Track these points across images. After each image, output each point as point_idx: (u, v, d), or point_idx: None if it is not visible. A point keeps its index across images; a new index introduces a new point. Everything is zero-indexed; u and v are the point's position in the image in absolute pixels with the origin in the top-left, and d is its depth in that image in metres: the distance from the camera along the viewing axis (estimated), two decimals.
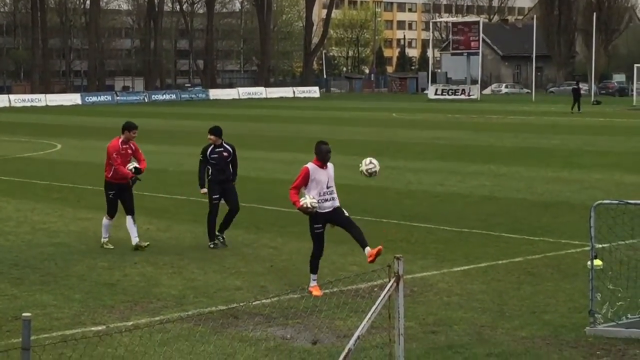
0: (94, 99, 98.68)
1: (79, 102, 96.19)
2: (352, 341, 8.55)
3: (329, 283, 13.54)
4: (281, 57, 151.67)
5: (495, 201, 23.51)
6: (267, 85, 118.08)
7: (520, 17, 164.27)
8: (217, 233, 17.73)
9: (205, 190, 17.74)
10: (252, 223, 20.39)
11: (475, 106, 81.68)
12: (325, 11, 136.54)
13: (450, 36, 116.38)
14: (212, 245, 17.57)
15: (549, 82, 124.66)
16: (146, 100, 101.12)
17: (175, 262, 16.40)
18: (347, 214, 14.02)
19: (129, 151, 17.65)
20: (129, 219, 17.67)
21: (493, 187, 26.17)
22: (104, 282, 14.93)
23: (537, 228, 19.37)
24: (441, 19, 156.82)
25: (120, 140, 17.54)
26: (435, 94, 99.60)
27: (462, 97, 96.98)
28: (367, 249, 13.65)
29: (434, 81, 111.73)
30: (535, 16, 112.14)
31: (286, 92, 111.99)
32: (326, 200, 13.70)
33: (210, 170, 17.68)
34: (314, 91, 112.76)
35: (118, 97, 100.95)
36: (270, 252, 17.32)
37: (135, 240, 17.44)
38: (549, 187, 25.97)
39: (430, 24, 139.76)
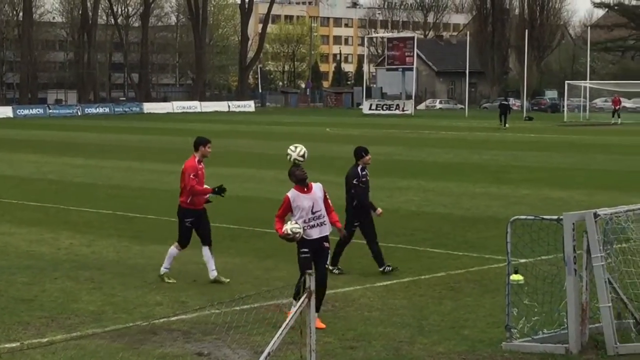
0: (26, 111, 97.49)
1: (11, 114, 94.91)
2: (262, 358, 8.49)
3: (248, 297, 13.43)
4: (217, 71, 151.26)
5: (422, 216, 23.61)
6: (202, 99, 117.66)
7: (455, 34, 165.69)
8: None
9: (380, 210, 16.80)
10: (174, 238, 20.19)
11: (409, 121, 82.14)
12: (261, 25, 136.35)
13: (386, 51, 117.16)
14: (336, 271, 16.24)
15: (482, 98, 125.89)
16: (79, 114, 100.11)
17: (97, 277, 16.21)
18: (327, 262, 13.14)
19: (203, 171, 15.82)
20: (206, 250, 15.82)
21: (421, 202, 26.30)
22: (22, 297, 14.68)
23: (461, 243, 19.50)
24: (377, 35, 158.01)
25: (197, 159, 15.63)
26: (370, 109, 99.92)
27: (397, 112, 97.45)
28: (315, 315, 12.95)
29: (369, 96, 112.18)
30: (468, 32, 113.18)
31: (221, 106, 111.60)
32: (312, 227, 12.70)
33: None
34: (249, 105, 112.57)
35: (50, 110, 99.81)
36: (195, 267, 17.13)
37: (213, 274, 15.71)
38: (477, 203, 26.15)
39: (366, 39, 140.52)
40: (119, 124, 77.54)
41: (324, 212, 12.79)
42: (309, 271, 8.98)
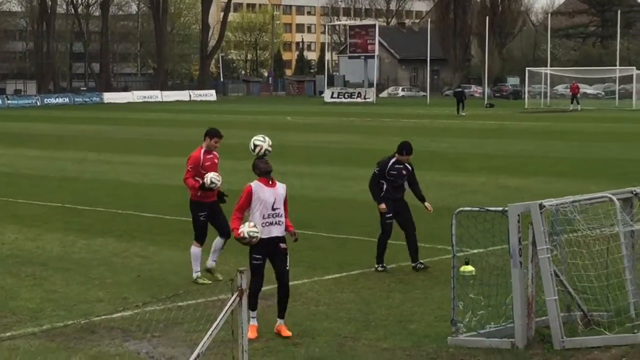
0: None
1: None
2: (192, 358, 8.15)
3: (190, 293, 13.09)
4: (179, 60, 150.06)
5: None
6: (163, 88, 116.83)
7: (417, 21, 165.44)
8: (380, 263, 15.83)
9: (384, 206, 15.82)
10: (126, 231, 19.85)
11: (371, 109, 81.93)
12: (222, 14, 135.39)
13: (348, 39, 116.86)
14: (380, 268, 15.72)
15: (445, 85, 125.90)
16: (38, 104, 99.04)
17: (39, 273, 15.76)
18: (288, 263, 12.01)
19: (215, 160, 15.03)
20: (220, 240, 14.94)
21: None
22: None
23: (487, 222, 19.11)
24: (339, 22, 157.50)
25: (203, 149, 15.01)
26: (332, 97, 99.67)
27: (358, 100, 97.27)
28: (281, 322, 11.98)
29: (331, 84, 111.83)
30: (430, 20, 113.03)
31: (182, 95, 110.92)
32: (270, 224, 11.81)
33: (385, 186, 15.89)
34: (210, 94, 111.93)
35: (9, 101, 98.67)
36: (139, 261, 16.79)
37: (211, 263, 14.98)
38: (432, 192, 25.74)
39: (327, 27, 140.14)
40: (77, 115, 76.77)
41: (282, 211, 11.91)
42: (241, 269, 8.63)
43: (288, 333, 11.81)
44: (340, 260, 16.69)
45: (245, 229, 11.54)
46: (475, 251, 13.68)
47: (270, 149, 12.47)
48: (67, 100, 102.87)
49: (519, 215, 10.74)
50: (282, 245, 11.95)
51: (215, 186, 13.42)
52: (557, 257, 10.90)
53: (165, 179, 29.29)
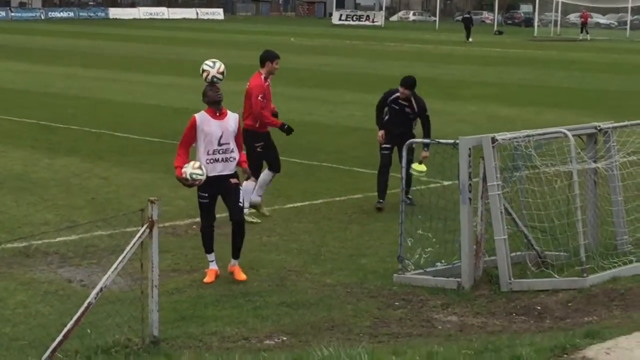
0: None
1: None
2: (93, 294, 7.66)
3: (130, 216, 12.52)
4: None
5: (359, 133, 22.64)
6: (170, 5, 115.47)
7: None
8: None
9: (381, 133, 14.63)
10: (94, 151, 19.35)
11: (377, 33, 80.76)
12: None
13: None
14: (377, 205, 14.48)
15: (457, 11, 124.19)
16: (42, 18, 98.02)
17: None
18: (241, 198, 11.00)
19: (270, 89, 13.78)
20: (269, 174, 13.95)
21: (362, 118, 25.24)
22: None
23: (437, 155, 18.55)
24: None
25: (263, 76, 13.59)
26: (340, 19, 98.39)
27: (367, 23, 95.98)
28: (234, 262, 11.04)
29: (341, 6, 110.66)
30: None
31: (189, 13, 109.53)
32: (215, 160, 10.68)
33: (387, 116, 14.68)
34: (217, 13, 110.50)
35: (13, 14, 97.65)
36: (98, 183, 16.29)
37: (257, 199, 13.77)
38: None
39: None
40: (79, 29, 75.79)
41: (233, 147, 10.76)
42: (152, 198, 8.08)
43: (242, 277, 10.84)
44: (307, 188, 16.17)
45: (189, 169, 10.49)
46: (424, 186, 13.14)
47: (220, 76, 11.04)
48: (72, 14, 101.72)
49: (470, 149, 10.15)
50: (233, 180, 10.86)
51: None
52: (509, 194, 10.33)
53: (149, 99, 28.74)
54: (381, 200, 14.45)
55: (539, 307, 9.43)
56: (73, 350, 7.66)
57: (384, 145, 14.59)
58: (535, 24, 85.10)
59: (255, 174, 13.25)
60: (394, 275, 10.75)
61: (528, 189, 10.76)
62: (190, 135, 10.79)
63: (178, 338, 8.85)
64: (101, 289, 7.65)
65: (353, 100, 29.21)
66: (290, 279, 10.99)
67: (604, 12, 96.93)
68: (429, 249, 10.84)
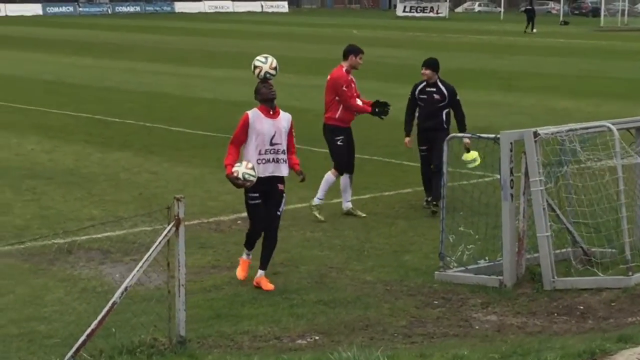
0: (55, 9, 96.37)
1: (40, 12, 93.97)
2: (117, 294, 7.54)
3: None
4: None
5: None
6: None
7: None
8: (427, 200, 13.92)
9: (409, 139, 14.10)
10: (146, 145, 19.36)
11: (441, 24, 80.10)
12: None
13: None
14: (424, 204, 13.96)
15: (522, 1, 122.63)
16: (109, 12, 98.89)
17: (40, 187, 15.31)
18: (282, 208, 10.48)
19: (353, 84, 13.44)
20: (345, 178, 13.59)
21: None
22: None
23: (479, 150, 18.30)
24: None
25: (344, 68, 13.37)
26: (404, 11, 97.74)
27: (431, 14, 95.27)
28: (261, 273, 10.40)
29: None
30: None
31: (254, 6, 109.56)
32: (266, 161, 10.14)
33: (417, 114, 14.12)
34: (282, 6, 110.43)
35: (80, 9, 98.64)
36: (147, 177, 16.25)
37: (347, 205, 13.61)
38: (476, 111, 24.72)
39: None
40: (144, 24, 76.27)
41: (284, 148, 10.22)
42: (178, 196, 7.95)
43: (270, 287, 10.28)
44: (355, 182, 15.91)
45: (242, 169, 9.95)
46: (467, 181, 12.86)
47: (273, 71, 10.54)
48: (138, 9, 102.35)
49: (511, 143, 9.87)
50: (280, 186, 10.33)
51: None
52: (552, 190, 10.02)
53: (205, 92, 28.71)
54: (428, 199, 13.90)
55: (581, 307, 9.13)
56: (98, 350, 7.55)
57: (421, 147, 13.99)
58: (602, 13, 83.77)
59: (341, 167, 13.38)
60: (435, 272, 10.51)
61: (573, 185, 10.44)
62: (242, 133, 10.23)
63: (210, 337, 8.71)
64: (126, 288, 7.54)
65: (403, 93, 28.79)
66: (331, 276, 10.80)
67: None
68: (471, 246, 10.59)
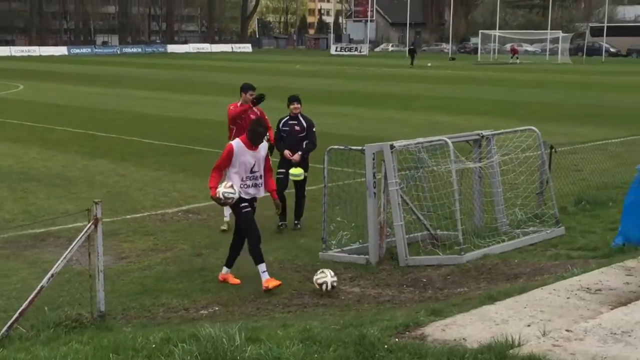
0: (77, 50, 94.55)
1: (66, 52, 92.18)
2: (45, 279, 6.89)
3: (154, 207, 11.79)
4: (230, 20, 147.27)
5: (327, 137, 21.75)
6: (212, 42, 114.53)
7: None
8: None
9: (288, 151, 11.46)
10: (121, 153, 18.55)
11: (363, 60, 79.56)
12: None
13: (353, 7, 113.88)
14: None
15: (423, 43, 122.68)
16: (118, 52, 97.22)
17: (31, 187, 14.50)
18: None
19: (252, 116, 11.36)
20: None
21: (332, 124, 24.43)
22: None
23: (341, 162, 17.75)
24: None
25: (239, 103, 11.59)
26: (336, 50, 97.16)
27: (355, 53, 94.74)
28: (225, 269, 9.08)
29: (339, 41, 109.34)
30: None
31: (226, 47, 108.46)
32: (248, 186, 8.79)
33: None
34: (247, 47, 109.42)
35: (96, 50, 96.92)
36: (117, 179, 15.49)
37: (226, 219, 11.51)
38: (377, 126, 24.40)
39: None
40: (143, 61, 74.98)
41: (261, 173, 8.88)
42: (97, 200, 7.32)
43: (235, 281, 8.82)
44: None
45: (221, 189, 8.60)
46: (343, 182, 12.29)
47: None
48: (140, 50, 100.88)
49: (374, 153, 9.35)
50: (255, 204, 8.98)
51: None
52: (404, 189, 9.51)
53: (176, 112, 27.94)
54: (281, 224, 11.58)
55: (424, 280, 8.63)
56: (29, 325, 6.90)
57: (280, 170, 11.46)
58: (479, 51, 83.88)
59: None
60: (319, 253, 9.96)
61: (419, 185, 9.95)
62: (227, 162, 8.76)
63: (133, 309, 8.08)
64: (52, 275, 6.90)
65: (328, 111, 28.29)
66: (242, 256, 10.19)
67: (531, 42, 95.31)
68: (346, 232, 10.05)
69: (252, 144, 8.75)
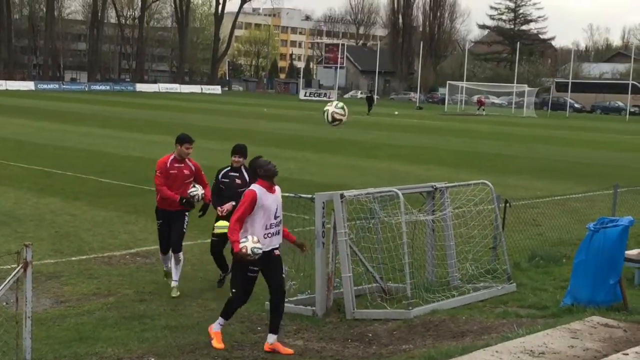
0: (45, 86, 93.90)
1: (33, 88, 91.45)
2: None
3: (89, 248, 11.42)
4: (202, 62, 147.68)
5: (288, 182, 21.57)
6: (182, 82, 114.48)
7: (376, 43, 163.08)
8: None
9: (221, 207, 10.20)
10: (74, 192, 18.16)
11: None
12: (236, 30, 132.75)
13: (324, 54, 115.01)
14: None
15: (392, 91, 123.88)
16: (86, 90, 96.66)
17: None
18: (284, 271, 8.46)
19: (185, 172, 10.14)
20: (172, 256, 10.34)
21: (295, 170, 24.29)
22: None
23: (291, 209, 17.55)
24: (319, 40, 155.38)
25: (172, 157, 10.16)
26: (305, 95, 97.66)
27: (324, 98, 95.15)
28: (272, 337, 8.10)
29: (309, 86, 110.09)
30: (385, 42, 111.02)
31: (196, 88, 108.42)
32: (271, 234, 7.91)
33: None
34: (216, 89, 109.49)
35: (64, 86, 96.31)
36: (67, 219, 15.09)
37: (174, 283, 10.24)
38: (339, 172, 24.26)
39: (312, 44, 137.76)
40: (111, 99, 74.57)
41: (282, 219, 8.09)
42: (27, 243, 7.00)
43: (288, 350, 7.96)
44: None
45: (249, 244, 7.69)
46: (292, 230, 12.06)
47: (340, 111, 8.16)
48: (108, 87, 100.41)
49: (324, 202, 9.15)
50: (276, 252, 8.07)
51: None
52: (353, 240, 9.30)
53: (138, 152, 27.61)
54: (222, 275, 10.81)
55: (370, 335, 8.38)
56: None
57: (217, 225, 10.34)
58: (446, 102, 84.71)
59: (162, 248, 10.46)
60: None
61: (371, 237, 9.74)
62: (250, 210, 7.77)
63: (64, 358, 7.73)
64: None
65: (292, 156, 28.21)
66: (184, 304, 9.88)
67: (498, 95, 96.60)
68: (294, 282, 9.77)
69: (270, 181, 7.91)
